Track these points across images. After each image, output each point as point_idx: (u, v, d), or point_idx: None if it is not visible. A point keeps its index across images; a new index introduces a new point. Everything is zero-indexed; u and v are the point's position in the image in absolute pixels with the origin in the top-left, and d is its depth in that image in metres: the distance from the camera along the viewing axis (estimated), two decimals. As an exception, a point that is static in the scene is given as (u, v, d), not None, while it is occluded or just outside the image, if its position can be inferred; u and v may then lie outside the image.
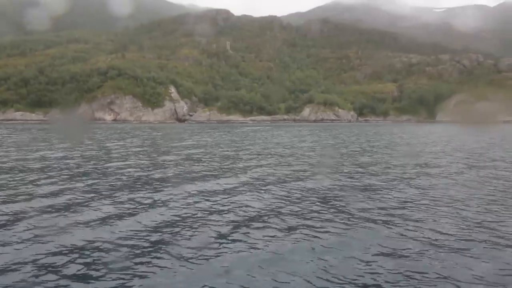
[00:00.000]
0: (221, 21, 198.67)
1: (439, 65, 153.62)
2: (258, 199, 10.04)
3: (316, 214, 8.52)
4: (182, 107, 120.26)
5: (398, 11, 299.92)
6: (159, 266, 5.72)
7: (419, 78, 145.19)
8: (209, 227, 7.59)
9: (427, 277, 5.37)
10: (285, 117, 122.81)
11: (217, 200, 9.83)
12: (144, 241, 6.73)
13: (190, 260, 5.93)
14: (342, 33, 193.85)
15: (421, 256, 6.09)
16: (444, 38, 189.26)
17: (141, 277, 5.41)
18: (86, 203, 9.39)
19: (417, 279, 5.31)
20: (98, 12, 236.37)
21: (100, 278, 5.33)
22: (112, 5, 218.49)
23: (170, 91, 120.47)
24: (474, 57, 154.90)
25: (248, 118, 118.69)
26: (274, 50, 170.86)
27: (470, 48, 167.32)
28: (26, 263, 5.69)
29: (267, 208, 9.05)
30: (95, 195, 10.39)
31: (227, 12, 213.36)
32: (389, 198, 10.19)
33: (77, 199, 9.88)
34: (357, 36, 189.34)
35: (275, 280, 5.26)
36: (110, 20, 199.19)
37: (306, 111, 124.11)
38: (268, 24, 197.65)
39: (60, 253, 6.14)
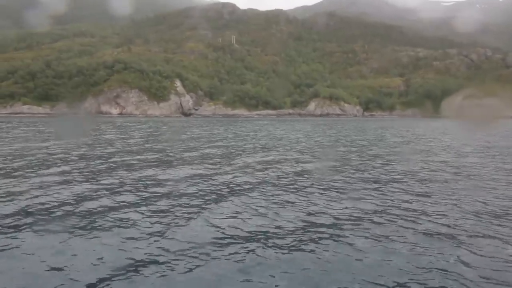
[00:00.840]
0: (227, 15, 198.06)
1: (447, 59, 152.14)
2: (234, 185, 10.60)
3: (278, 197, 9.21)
4: (188, 101, 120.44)
5: (404, 4, 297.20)
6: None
7: (426, 72, 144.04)
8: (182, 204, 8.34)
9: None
10: (291, 111, 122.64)
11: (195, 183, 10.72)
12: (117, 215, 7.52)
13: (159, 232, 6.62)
14: (348, 27, 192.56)
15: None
16: (452, 32, 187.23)
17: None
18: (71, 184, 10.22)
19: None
20: (103, 5, 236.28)
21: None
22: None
23: (175, 84, 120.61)
24: (482, 51, 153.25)
25: (253, 113, 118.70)
26: (280, 44, 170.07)
27: (478, 42, 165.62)
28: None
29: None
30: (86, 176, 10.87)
31: (232, 5, 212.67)
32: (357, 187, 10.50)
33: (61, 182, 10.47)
34: (363, 30, 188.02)
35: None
36: (115, 13, 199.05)
37: (312, 106, 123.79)
38: (274, 18, 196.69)
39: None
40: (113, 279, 4.94)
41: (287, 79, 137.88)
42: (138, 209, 7.98)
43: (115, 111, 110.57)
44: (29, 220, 7.15)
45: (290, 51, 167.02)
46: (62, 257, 5.53)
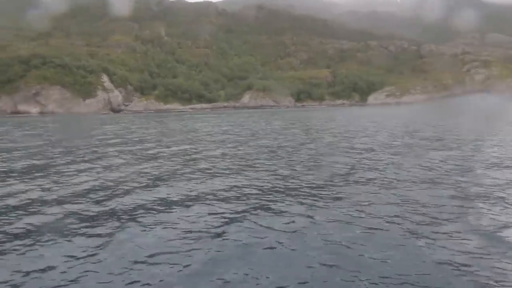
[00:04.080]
0: (154, 6, 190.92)
1: (369, 51, 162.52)
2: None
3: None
4: (117, 96, 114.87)
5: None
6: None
7: (351, 64, 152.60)
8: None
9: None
10: (225, 104, 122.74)
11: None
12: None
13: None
14: (277, 20, 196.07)
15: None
16: (372, 25, 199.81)
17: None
18: None
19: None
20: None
21: None
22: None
23: (102, 80, 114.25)
24: (399, 43, 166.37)
25: (187, 107, 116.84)
26: (211, 36, 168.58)
27: (395, 34, 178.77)
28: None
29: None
30: None
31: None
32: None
33: None
34: (291, 23, 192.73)
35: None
36: (32, 4, 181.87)
37: (246, 98, 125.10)
38: (204, 10, 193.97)
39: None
40: None
41: (219, 72, 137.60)
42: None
43: (34, 110, 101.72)
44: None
45: (221, 43, 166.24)
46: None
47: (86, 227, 7.40)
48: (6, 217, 8.03)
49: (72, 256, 6.01)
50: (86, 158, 16.21)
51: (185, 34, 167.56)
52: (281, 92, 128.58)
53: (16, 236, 6.96)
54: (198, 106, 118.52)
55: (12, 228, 7.42)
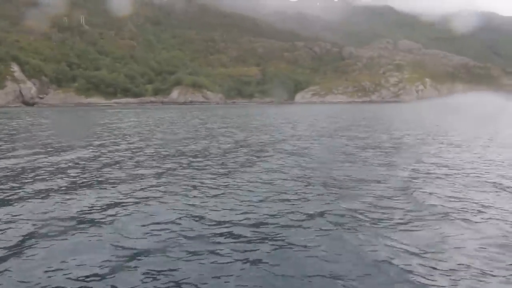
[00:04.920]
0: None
1: (295, 51, 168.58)
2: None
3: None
4: (30, 88, 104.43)
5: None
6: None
7: (279, 63, 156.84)
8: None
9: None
10: (153, 99, 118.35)
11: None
12: None
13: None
14: (206, 15, 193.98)
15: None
16: (299, 26, 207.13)
17: None
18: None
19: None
20: None
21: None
22: None
23: (12, 69, 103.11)
24: (323, 45, 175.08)
25: (112, 101, 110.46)
26: (137, 28, 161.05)
27: (320, 37, 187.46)
28: None
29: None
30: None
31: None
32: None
33: None
34: (221, 19, 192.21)
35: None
36: None
37: (175, 93, 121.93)
38: None
39: None
40: None
41: (146, 66, 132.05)
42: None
43: None
44: None
45: (148, 36, 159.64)
46: None
47: None
48: None
49: None
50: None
51: (108, 24, 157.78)
52: (213, 88, 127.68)
53: None
54: (124, 100, 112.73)
55: None
